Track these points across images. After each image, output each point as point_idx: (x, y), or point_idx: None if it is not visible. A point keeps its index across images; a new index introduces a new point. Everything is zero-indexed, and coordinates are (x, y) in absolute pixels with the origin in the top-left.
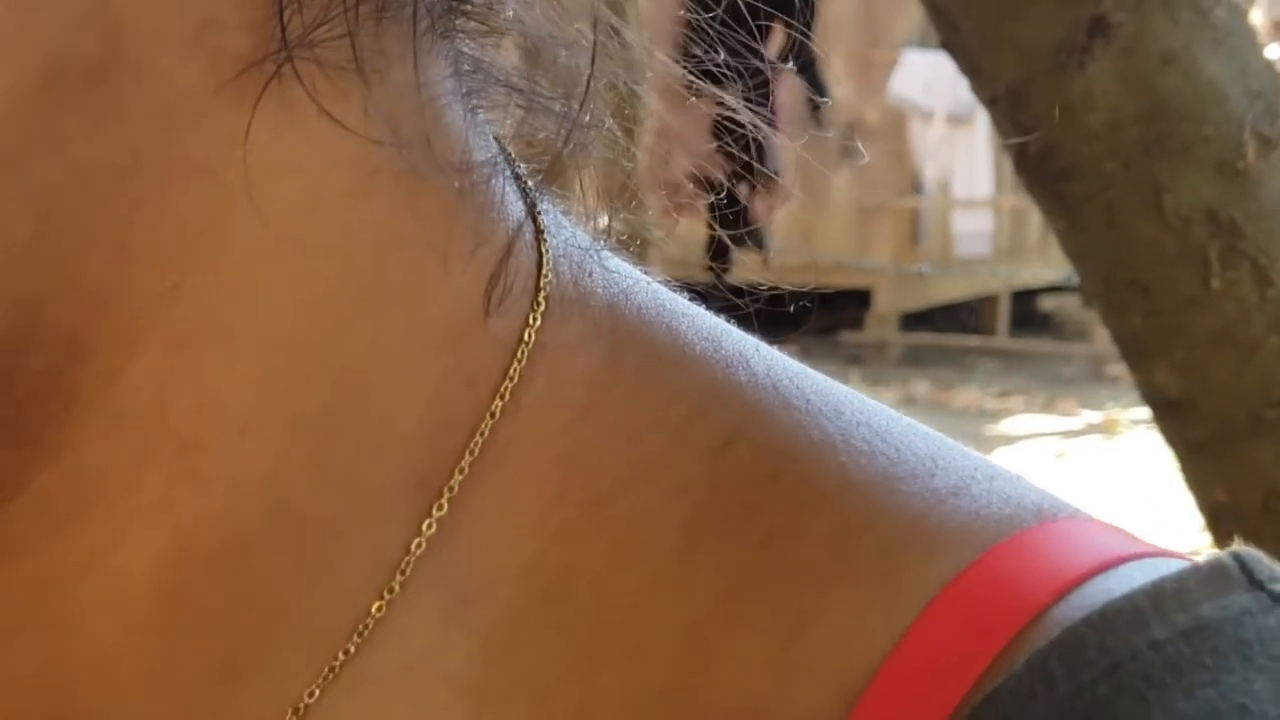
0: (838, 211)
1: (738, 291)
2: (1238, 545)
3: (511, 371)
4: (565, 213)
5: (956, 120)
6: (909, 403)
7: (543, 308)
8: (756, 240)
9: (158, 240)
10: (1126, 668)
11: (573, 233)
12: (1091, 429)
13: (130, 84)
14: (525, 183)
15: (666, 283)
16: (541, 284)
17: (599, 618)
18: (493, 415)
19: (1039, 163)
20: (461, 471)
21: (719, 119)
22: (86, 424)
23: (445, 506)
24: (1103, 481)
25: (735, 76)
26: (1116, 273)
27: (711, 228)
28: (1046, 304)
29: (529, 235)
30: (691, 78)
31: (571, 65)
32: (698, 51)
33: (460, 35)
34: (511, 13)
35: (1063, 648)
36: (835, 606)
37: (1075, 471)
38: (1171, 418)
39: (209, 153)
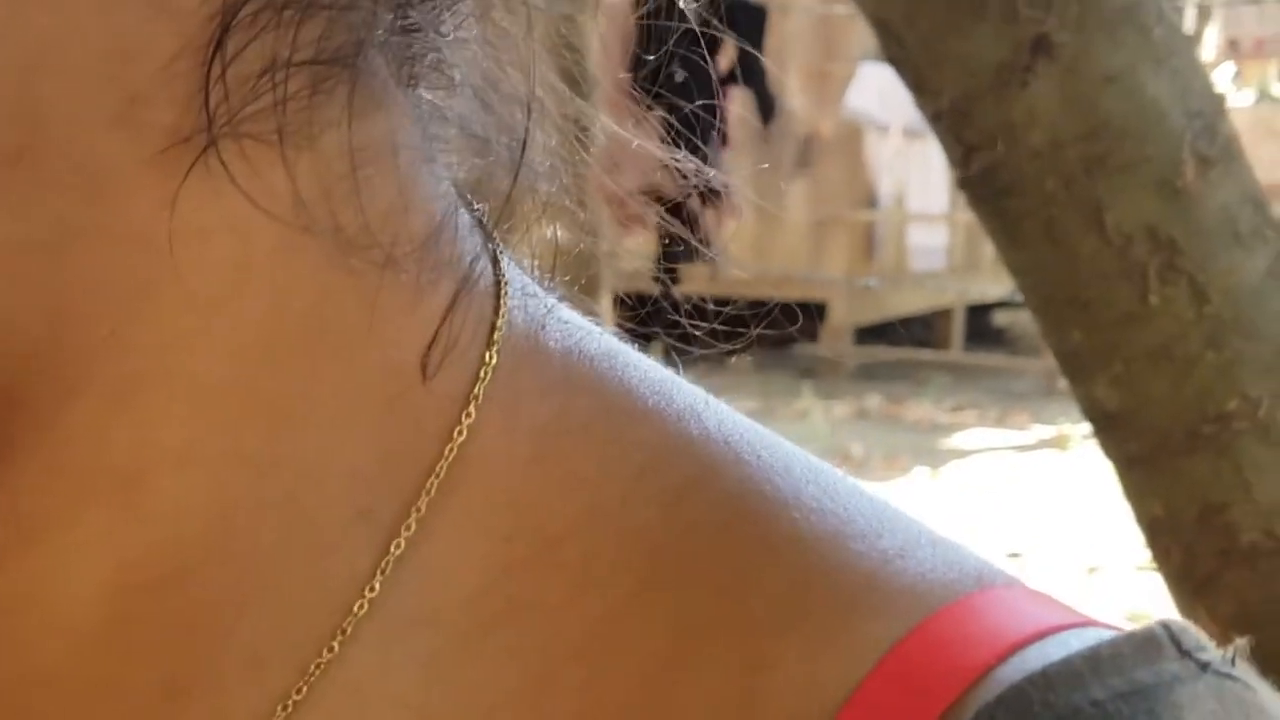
0: (793, 224)
1: (692, 304)
2: (1169, 619)
3: (464, 417)
4: (519, 259)
5: (912, 134)
6: (862, 416)
7: (494, 361)
8: (707, 253)
9: (92, 302)
10: None
11: (527, 283)
12: (1044, 443)
13: (53, 161)
14: (489, 232)
15: (622, 297)
16: (494, 337)
17: (552, 647)
18: (445, 458)
19: (982, 179)
20: (417, 510)
21: (669, 132)
22: (23, 468)
23: (402, 545)
24: (1055, 495)
25: (686, 90)
26: (1057, 289)
27: (662, 241)
28: (1000, 319)
29: (487, 285)
30: (642, 91)
31: (511, 115)
32: (649, 65)
33: (412, 86)
34: (456, 72)
35: (1008, 704)
36: (790, 655)
37: (1028, 485)
38: (1110, 432)
39: (137, 220)
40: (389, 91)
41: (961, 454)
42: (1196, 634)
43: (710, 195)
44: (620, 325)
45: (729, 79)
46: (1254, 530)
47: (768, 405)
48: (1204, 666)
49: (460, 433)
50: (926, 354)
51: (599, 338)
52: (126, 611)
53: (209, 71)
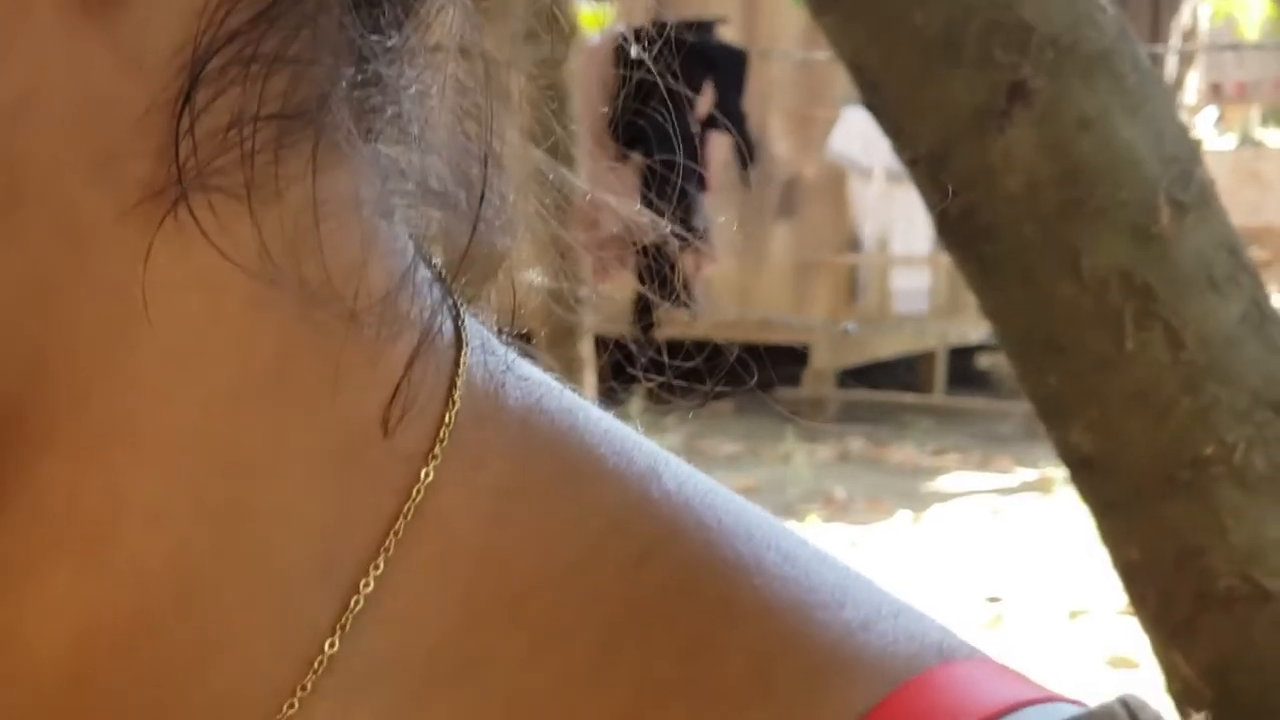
0: (776, 267)
1: (675, 347)
2: (1126, 695)
3: (423, 475)
4: (479, 314)
5: (895, 178)
6: (845, 459)
7: (453, 419)
8: (685, 298)
9: (68, 354)
10: None
11: (487, 338)
12: (1026, 486)
13: (33, 212)
14: (448, 288)
15: (604, 341)
16: (454, 395)
17: (512, 704)
18: (405, 516)
19: (959, 224)
20: (377, 566)
21: (648, 176)
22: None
23: (362, 600)
24: (1037, 539)
25: (665, 134)
26: (1033, 333)
27: (640, 286)
28: (983, 362)
29: (447, 341)
30: (622, 136)
31: (470, 169)
32: (628, 110)
33: (374, 141)
34: (415, 126)
35: None
36: None
37: (1010, 528)
38: (1086, 476)
39: (113, 272)
40: (350, 145)
41: (944, 497)
42: (1155, 711)
43: (689, 239)
44: (602, 370)
45: (709, 123)
46: (1230, 575)
47: (751, 448)
48: None
49: (419, 490)
50: (909, 397)
51: (559, 395)
52: (90, 665)
53: (178, 125)
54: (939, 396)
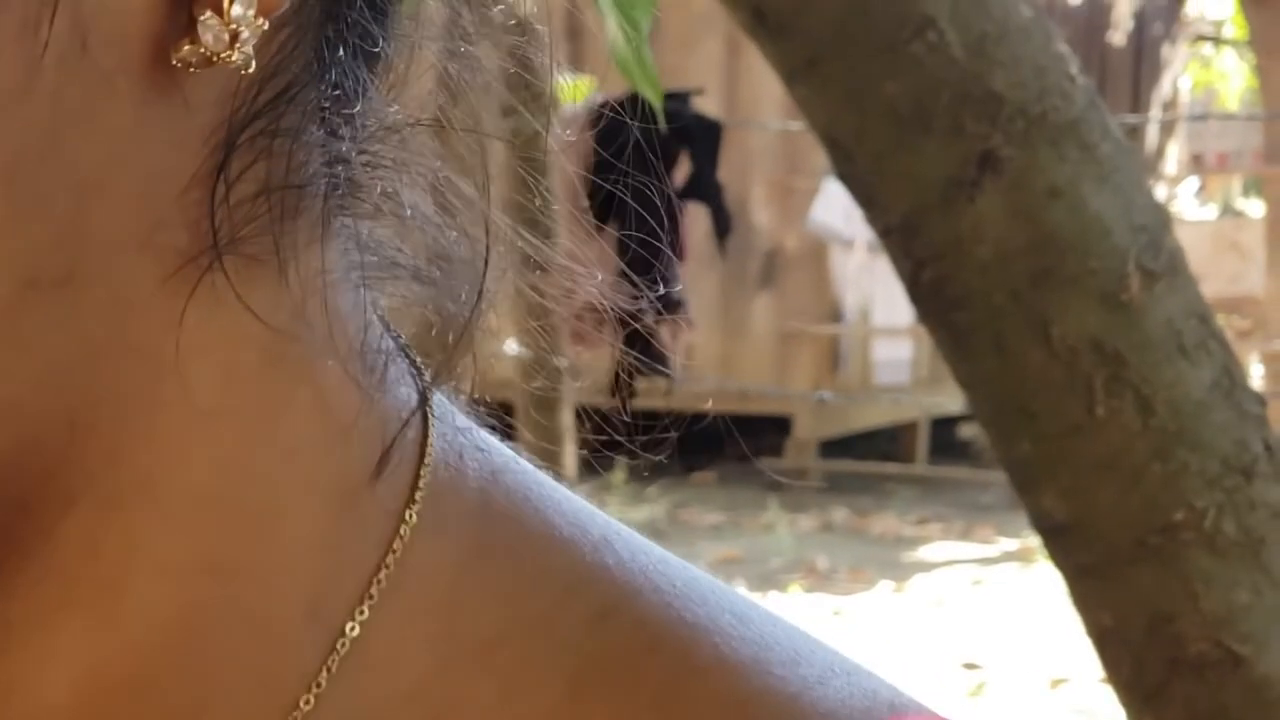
0: (758, 338)
1: (657, 418)
2: None
3: (402, 530)
4: (441, 387)
5: (876, 248)
6: (827, 529)
7: (426, 479)
8: (663, 368)
9: (102, 416)
10: None
11: (447, 408)
12: (1008, 556)
13: (92, 285)
14: (416, 363)
15: (586, 412)
16: (425, 459)
17: None
18: (387, 566)
19: (931, 293)
20: (362, 612)
21: (624, 247)
22: (20, 572)
23: (348, 644)
24: (1019, 608)
25: (642, 205)
26: (1005, 400)
27: (617, 355)
28: (965, 432)
29: (414, 408)
30: (598, 206)
31: (458, 253)
32: (605, 180)
33: (356, 220)
34: (407, 208)
35: None
36: None
37: (992, 598)
38: (1059, 542)
39: (150, 337)
40: (335, 217)
41: (927, 567)
42: None
43: (666, 309)
44: (584, 441)
45: (686, 194)
46: (1202, 640)
47: (733, 519)
48: None
49: (399, 544)
50: (892, 467)
51: (515, 466)
52: (92, 715)
53: (213, 193)
54: (921, 467)
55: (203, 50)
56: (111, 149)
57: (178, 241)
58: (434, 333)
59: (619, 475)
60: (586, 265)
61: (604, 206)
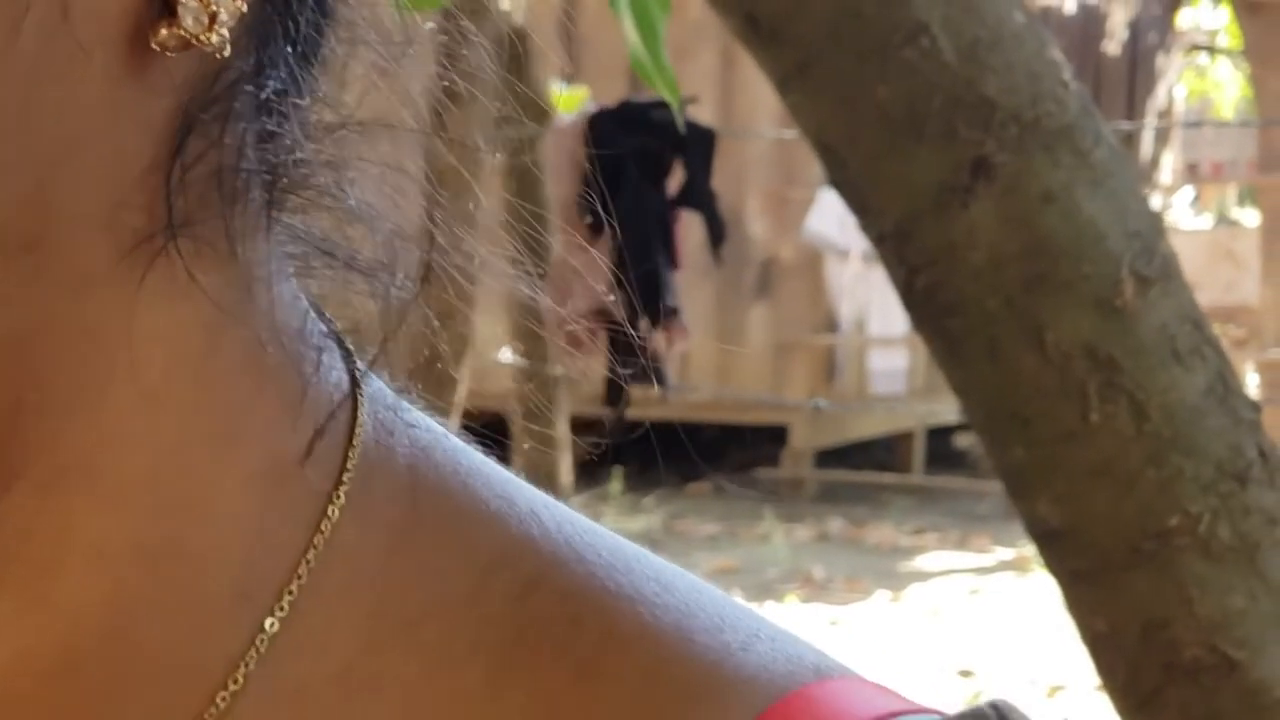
0: (754, 348)
1: (652, 427)
2: (997, 698)
3: (330, 511)
4: (373, 367)
5: (872, 258)
6: (823, 539)
7: (354, 460)
8: (657, 377)
9: (49, 396)
10: None
11: (378, 388)
12: (1004, 565)
13: (54, 257)
14: (347, 347)
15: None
16: (354, 440)
17: (409, 717)
18: (315, 547)
19: (924, 299)
20: (290, 592)
21: (618, 255)
22: None
23: (276, 624)
24: (1016, 616)
25: (636, 213)
26: (999, 406)
27: (611, 366)
28: (961, 441)
29: (345, 390)
30: (592, 214)
31: (394, 243)
32: (599, 188)
33: (296, 210)
34: (347, 194)
35: None
36: None
37: (988, 607)
38: (1054, 548)
39: (103, 317)
40: (277, 207)
41: (923, 576)
42: (1024, 715)
43: (659, 317)
44: (580, 449)
45: (680, 202)
46: (1196, 646)
47: (729, 529)
48: None
49: (327, 525)
50: (888, 477)
51: (443, 444)
52: (15, 696)
53: (169, 175)
54: (917, 476)
55: (181, 33)
56: (83, 122)
57: (135, 221)
58: (377, 321)
59: (615, 485)
60: (581, 273)
61: (598, 215)
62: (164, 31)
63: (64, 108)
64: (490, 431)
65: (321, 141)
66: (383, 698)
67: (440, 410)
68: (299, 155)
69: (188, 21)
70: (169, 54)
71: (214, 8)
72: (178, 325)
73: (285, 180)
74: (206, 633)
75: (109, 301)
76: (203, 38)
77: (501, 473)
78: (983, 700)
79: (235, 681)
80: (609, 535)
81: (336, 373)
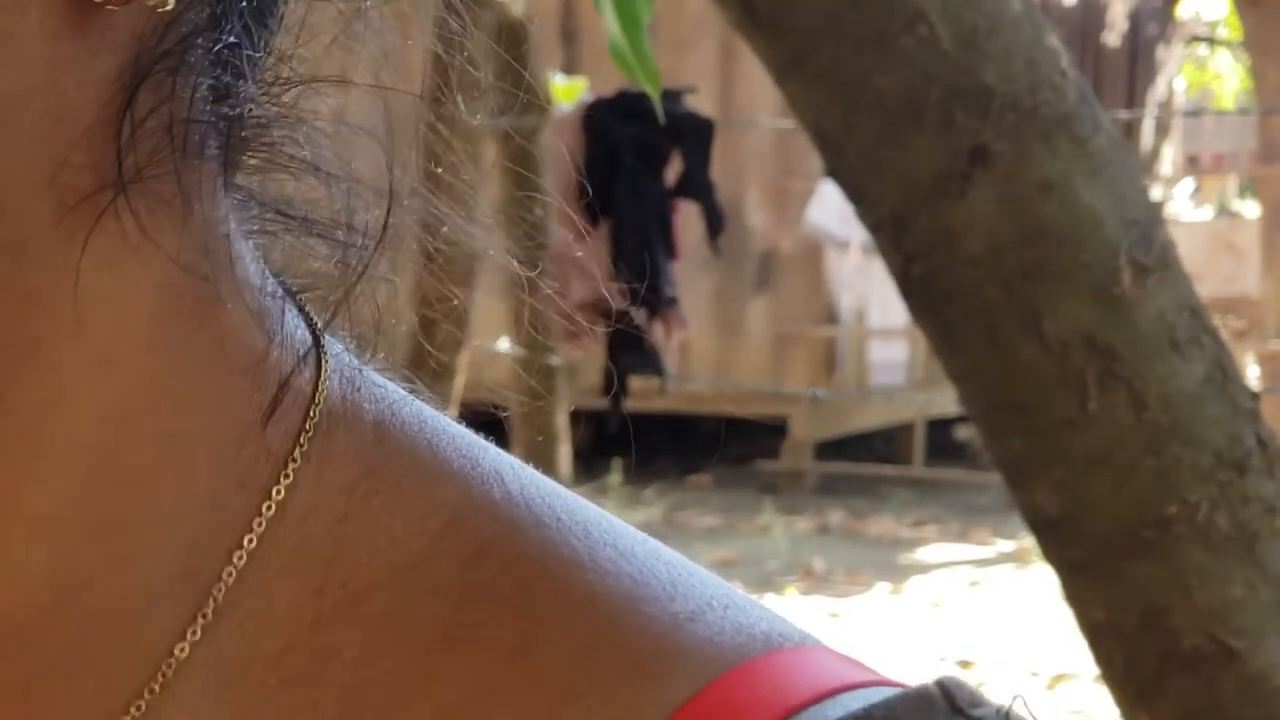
0: (754, 340)
1: (652, 419)
2: (944, 676)
3: (282, 478)
4: (340, 331)
5: (871, 250)
6: (824, 531)
7: (315, 419)
8: (655, 368)
9: None
10: None
11: (341, 351)
12: (1005, 558)
13: None
14: (305, 307)
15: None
16: (315, 399)
17: (350, 701)
18: (264, 514)
19: (922, 287)
20: (236, 563)
21: (617, 244)
22: None
23: (219, 599)
24: (1016, 608)
25: (634, 202)
26: (997, 395)
27: (610, 356)
28: (961, 433)
29: (307, 351)
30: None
31: (350, 203)
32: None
33: (254, 171)
34: (305, 152)
35: None
36: (578, 719)
37: (989, 599)
38: (1052, 537)
39: (45, 281)
40: (233, 166)
41: (923, 568)
42: (972, 691)
43: (658, 308)
44: (580, 443)
45: (677, 192)
46: (1195, 634)
47: (729, 521)
48: None
49: (279, 490)
50: (888, 469)
51: (410, 403)
52: None
53: (120, 131)
54: (917, 468)
55: None
56: (20, 80)
57: (80, 181)
58: (336, 283)
59: (615, 477)
60: (579, 263)
61: (596, 204)
62: None
63: (1, 67)
64: (489, 422)
65: (278, 98)
66: (320, 682)
67: (438, 401)
68: (256, 111)
69: None
70: (113, 7)
71: None
72: (128, 286)
73: (242, 135)
74: (150, 611)
75: (52, 263)
76: None
77: (469, 434)
78: (985, 688)
79: (171, 664)
80: (571, 498)
81: (301, 331)
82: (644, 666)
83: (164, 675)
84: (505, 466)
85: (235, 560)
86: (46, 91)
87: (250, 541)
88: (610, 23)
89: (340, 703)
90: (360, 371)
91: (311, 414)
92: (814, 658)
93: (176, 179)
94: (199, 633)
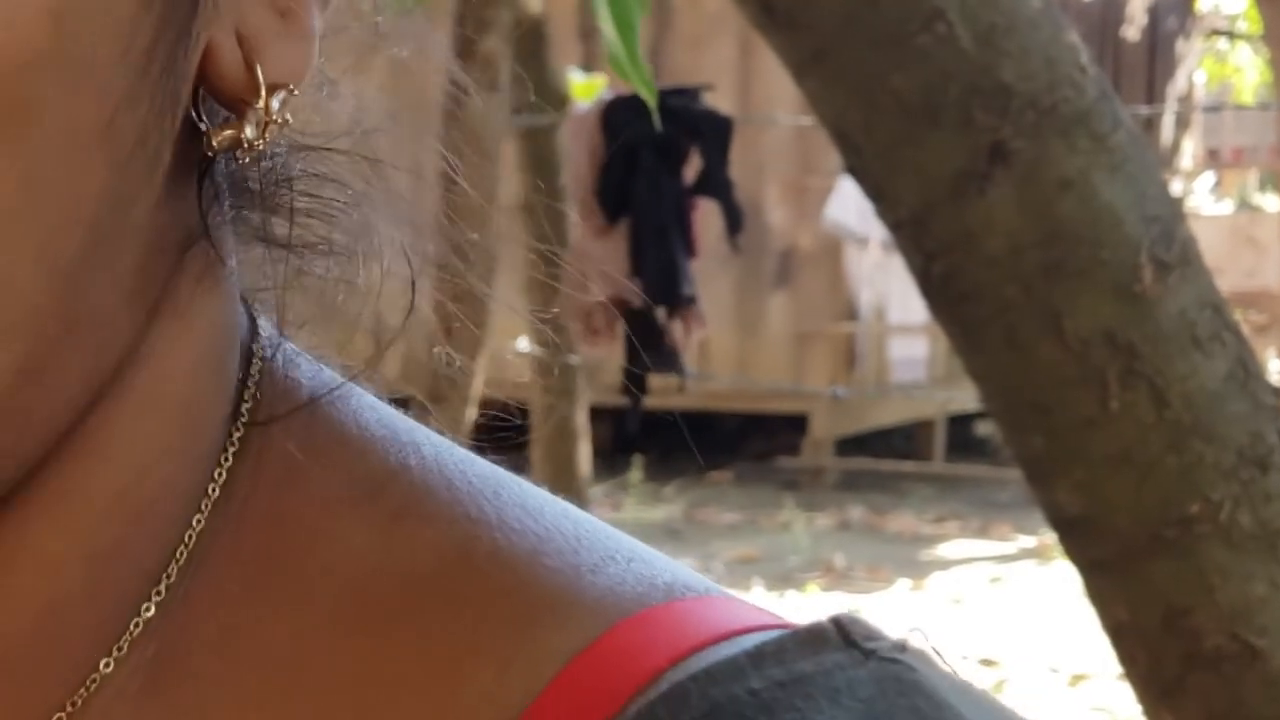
0: (774, 337)
1: (673, 417)
2: (840, 613)
3: (227, 450)
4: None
5: (891, 247)
6: (844, 527)
7: (254, 393)
8: (673, 365)
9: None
10: (725, 709)
11: (274, 334)
12: (1026, 554)
13: (88, 329)
14: (244, 297)
15: (604, 410)
16: (252, 370)
17: (276, 679)
18: (209, 494)
19: (942, 286)
20: (182, 553)
21: (635, 242)
22: None
23: (170, 581)
24: (1038, 605)
25: (653, 201)
26: (1018, 394)
27: (629, 354)
28: (982, 429)
29: (244, 333)
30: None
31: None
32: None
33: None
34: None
35: (669, 698)
36: (479, 672)
37: (1010, 596)
38: (1073, 537)
39: (113, 358)
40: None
41: (944, 564)
42: (867, 625)
43: (676, 306)
44: (602, 440)
45: (696, 189)
46: (1218, 634)
47: (750, 517)
48: (869, 654)
49: (227, 458)
50: (908, 465)
51: (335, 379)
52: None
53: (201, 209)
54: (938, 464)
55: (239, 136)
56: (136, 219)
57: (155, 272)
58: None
59: (635, 474)
60: (598, 262)
61: (615, 203)
62: (226, 134)
63: (132, 213)
64: (509, 420)
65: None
66: (254, 664)
67: (456, 399)
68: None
69: (248, 131)
70: (216, 151)
71: (274, 117)
72: (170, 344)
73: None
74: (110, 599)
75: (122, 343)
76: (255, 142)
77: (394, 412)
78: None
79: (120, 649)
80: (485, 464)
81: (242, 316)
82: (543, 617)
83: (89, 685)
84: (422, 437)
85: (187, 538)
86: (151, 221)
87: (198, 522)
88: (606, 27)
89: (267, 682)
90: (296, 355)
91: (249, 383)
92: (716, 605)
93: (227, 230)
94: (141, 626)
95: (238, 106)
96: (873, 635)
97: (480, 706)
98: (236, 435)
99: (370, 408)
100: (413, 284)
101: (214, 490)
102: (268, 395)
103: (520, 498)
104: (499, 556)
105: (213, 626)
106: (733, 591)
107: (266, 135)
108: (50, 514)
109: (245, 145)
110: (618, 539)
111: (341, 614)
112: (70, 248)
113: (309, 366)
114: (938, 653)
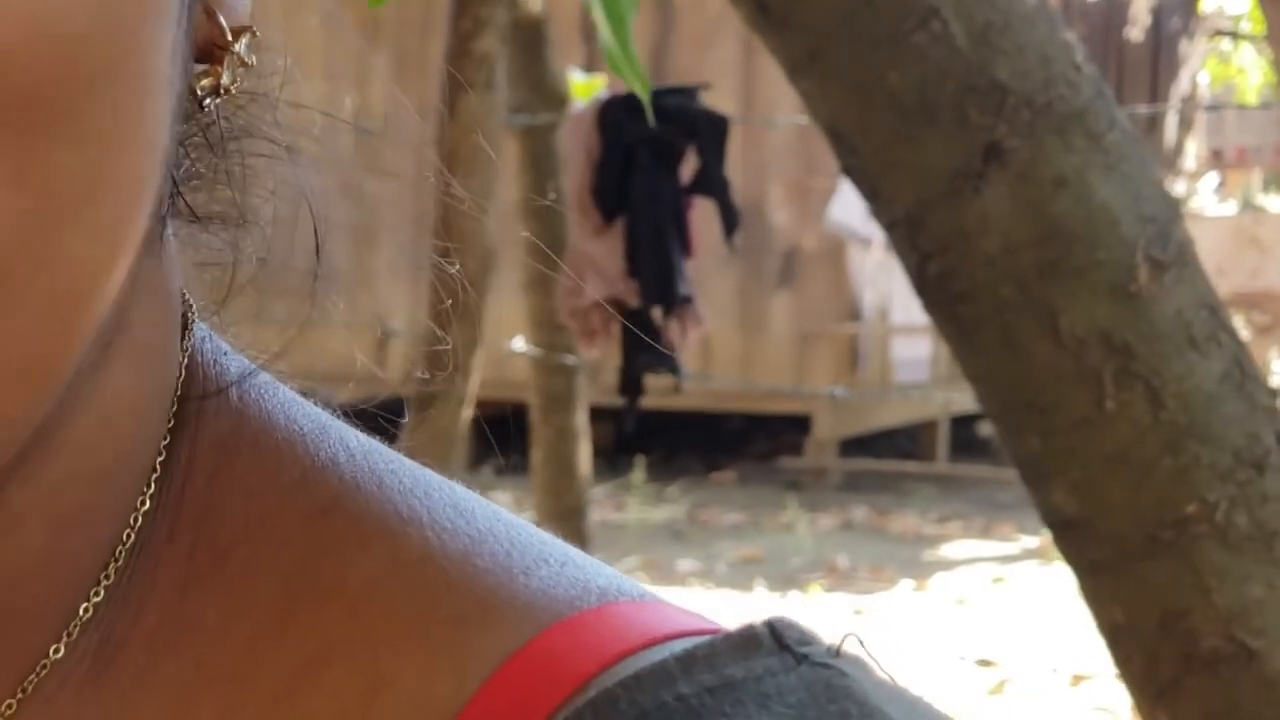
0: (776, 338)
1: (676, 417)
2: (774, 617)
3: (163, 441)
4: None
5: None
6: (847, 528)
7: (182, 378)
8: (671, 366)
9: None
10: (652, 715)
11: (201, 328)
12: (1028, 554)
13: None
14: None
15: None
16: (183, 360)
17: (202, 672)
18: (148, 486)
19: (937, 286)
20: (129, 536)
21: (632, 241)
22: None
23: (118, 564)
24: (1040, 605)
25: (650, 200)
26: (1013, 394)
27: (625, 354)
28: (985, 430)
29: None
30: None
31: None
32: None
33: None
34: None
35: (596, 704)
36: (408, 673)
37: (1013, 596)
38: (1070, 538)
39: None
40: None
41: (947, 565)
42: (801, 630)
43: (673, 306)
44: (603, 441)
45: (693, 188)
46: (1215, 636)
47: (753, 518)
48: (801, 659)
49: (161, 452)
50: (911, 465)
51: (269, 378)
52: None
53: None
54: (941, 465)
55: (218, 81)
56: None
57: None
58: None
59: (638, 475)
60: (594, 261)
61: (611, 202)
62: (206, 81)
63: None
64: (509, 421)
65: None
66: (184, 653)
67: (454, 400)
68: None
69: (225, 77)
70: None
71: (250, 59)
72: (141, 305)
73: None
74: (55, 587)
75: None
76: (230, 86)
77: (319, 410)
78: (1005, 694)
79: (70, 635)
80: (414, 465)
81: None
82: (474, 619)
83: (60, 648)
84: (350, 435)
85: (128, 532)
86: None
87: (140, 513)
88: (600, 23)
89: (193, 675)
90: (227, 352)
91: (181, 372)
92: (650, 609)
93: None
94: (91, 610)
95: (208, 53)
96: (806, 640)
97: (413, 706)
98: (172, 411)
99: (296, 402)
100: (315, 233)
101: (157, 467)
102: (202, 372)
103: (452, 499)
104: (431, 557)
105: (152, 615)
106: (735, 592)
107: (238, 79)
108: (20, 468)
109: (221, 91)
110: (551, 543)
111: (273, 608)
112: (144, 208)
113: (233, 351)
114: (872, 657)
